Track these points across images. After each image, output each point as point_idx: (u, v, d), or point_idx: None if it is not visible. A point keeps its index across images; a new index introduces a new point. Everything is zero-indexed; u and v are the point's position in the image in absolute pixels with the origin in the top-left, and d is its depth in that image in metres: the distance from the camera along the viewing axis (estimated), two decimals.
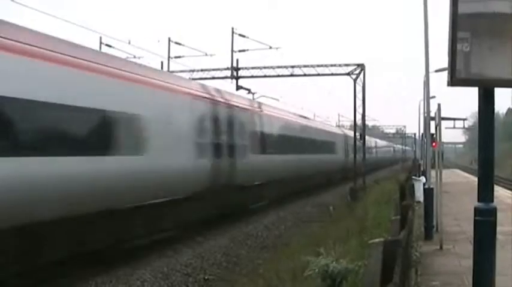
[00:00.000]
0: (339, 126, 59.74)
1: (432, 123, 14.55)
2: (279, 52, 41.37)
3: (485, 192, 4.90)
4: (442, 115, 12.38)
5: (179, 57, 30.22)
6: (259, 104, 24.55)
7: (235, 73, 29.96)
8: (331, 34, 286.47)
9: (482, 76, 4.73)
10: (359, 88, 30.25)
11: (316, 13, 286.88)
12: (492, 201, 4.91)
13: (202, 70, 29.99)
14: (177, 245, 14.58)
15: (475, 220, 4.90)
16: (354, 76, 29.71)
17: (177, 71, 28.60)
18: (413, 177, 23.52)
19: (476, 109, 4.96)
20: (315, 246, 9.75)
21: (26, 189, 9.14)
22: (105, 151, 11.51)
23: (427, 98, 15.53)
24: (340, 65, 29.57)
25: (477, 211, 4.88)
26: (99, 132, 11.48)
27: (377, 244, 4.56)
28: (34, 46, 9.71)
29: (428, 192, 13.37)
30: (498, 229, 4.95)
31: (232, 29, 29.73)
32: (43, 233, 9.92)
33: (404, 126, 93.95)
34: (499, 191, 21.61)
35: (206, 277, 12.20)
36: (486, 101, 4.86)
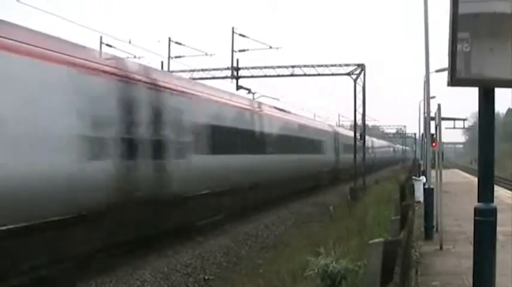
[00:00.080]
0: (339, 125, 59.81)
1: (432, 124, 14.55)
2: (280, 52, 41.75)
3: (485, 192, 4.91)
4: (442, 115, 12.38)
5: (179, 57, 30.25)
6: (212, 89, 19.50)
7: (235, 73, 29.96)
8: (331, 34, 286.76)
9: (483, 76, 4.73)
10: (359, 88, 30.29)
11: (316, 13, 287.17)
12: (492, 201, 4.91)
13: (202, 70, 30.02)
14: (177, 245, 14.57)
15: (475, 220, 4.90)
16: (354, 76, 29.74)
17: (177, 71, 28.63)
18: (414, 177, 23.52)
19: (477, 109, 4.97)
20: (315, 246, 9.74)
21: None
22: None
23: (427, 98, 15.51)
24: (340, 65, 29.59)
25: (477, 211, 4.88)
26: None
27: (377, 244, 4.56)
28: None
29: (428, 192, 13.37)
30: (498, 229, 4.95)
31: (233, 28, 29.76)
32: None
33: (405, 127, 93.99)
34: (499, 191, 21.59)
35: (206, 277, 12.21)
36: (486, 101, 4.87)
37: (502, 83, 4.84)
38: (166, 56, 29.98)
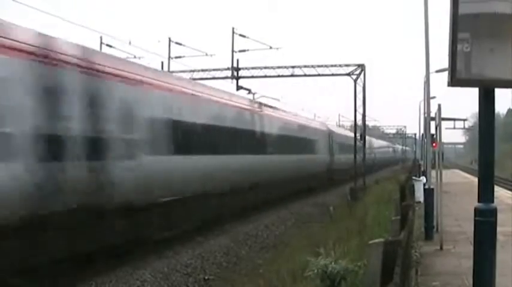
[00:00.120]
0: (339, 125, 59.80)
1: (432, 124, 14.55)
2: (280, 52, 41.70)
3: (485, 192, 4.91)
4: (442, 115, 12.39)
5: (179, 57, 30.24)
6: (177, 79, 16.95)
7: (235, 73, 29.95)
8: (331, 34, 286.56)
9: (483, 76, 4.73)
10: (359, 88, 30.31)
11: (316, 13, 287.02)
12: (492, 201, 4.91)
13: (202, 70, 30.01)
14: (177, 245, 14.57)
15: (475, 220, 4.90)
16: (354, 76, 29.76)
17: (177, 71, 28.62)
18: (414, 177, 23.53)
19: (477, 110, 4.97)
20: (315, 246, 9.75)
21: None
22: None
23: (428, 98, 15.52)
24: (340, 65, 29.60)
25: (477, 212, 4.88)
26: None
27: (377, 244, 4.55)
28: None
29: (428, 192, 13.37)
30: (498, 229, 4.95)
31: (233, 29, 29.75)
32: None
33: (405, 127, 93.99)
34: (499, 192, 21.60)
35: (206, 277, 12.22)
36: (486, 101, 4.87)
37: (502, 84, 4.85)
38: (167, 56, 30.02)
